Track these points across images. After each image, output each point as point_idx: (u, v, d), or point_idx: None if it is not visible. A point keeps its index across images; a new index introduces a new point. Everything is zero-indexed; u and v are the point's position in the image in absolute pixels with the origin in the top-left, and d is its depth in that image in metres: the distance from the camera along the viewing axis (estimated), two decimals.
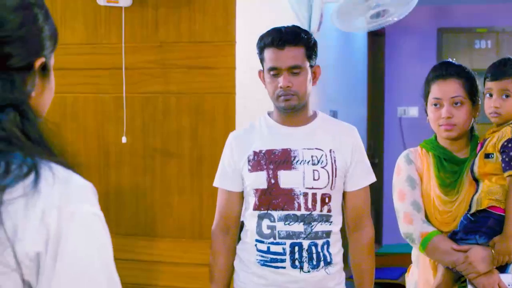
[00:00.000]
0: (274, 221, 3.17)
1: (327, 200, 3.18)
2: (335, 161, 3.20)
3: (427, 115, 3.33)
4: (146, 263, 4.34)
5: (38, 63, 1.49)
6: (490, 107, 3.16)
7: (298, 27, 3.26)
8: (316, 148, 3.21)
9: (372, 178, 3.34)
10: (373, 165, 3.60)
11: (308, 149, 3.20)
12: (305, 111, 3.27)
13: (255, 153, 3.23)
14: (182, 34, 4.23)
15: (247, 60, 4.24)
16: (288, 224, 3.15)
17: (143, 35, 4.30)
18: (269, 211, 3.18)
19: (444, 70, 3.25)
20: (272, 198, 3.17)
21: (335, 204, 3.22)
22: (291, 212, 3.15)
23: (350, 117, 6.88)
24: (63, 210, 1.36)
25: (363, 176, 3.29)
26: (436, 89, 3.23)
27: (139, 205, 4.34)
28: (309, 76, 3.19)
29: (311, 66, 3.21)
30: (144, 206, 4.32)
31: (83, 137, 4.42)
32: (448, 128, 3.21)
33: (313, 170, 3.17)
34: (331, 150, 3.21)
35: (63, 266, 1.34)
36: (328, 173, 3.18)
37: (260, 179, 3.19)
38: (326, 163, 3.19)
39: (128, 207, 4.35)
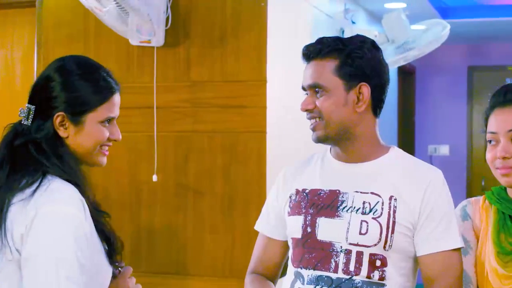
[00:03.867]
0: (303, 283, 2.42)
1: (378, 263, 2.36)
2: (394, 212, 2.37)
3: None
4: None
5: (55, 117, 2.19)
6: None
7: (343, 38, 2.50)
8: (372, 193, 2.41)
9: (455, 242, 2.40)
10: None
11: (361, 192, 2.42)
12: (362, 143, 2.47)
13: (297, 192, 2.52)
14: (214, 73, 4.26)
15: (278, 99, 4.26)
16: None
17: (175, 75, 4.33)
18: (299, 269, 2.45)
19: (502, 95, 2.43)
20: (305, 252, 2.43)
21: (396, 270, 2.39)
22: (324, 274, 2.38)
23: None
24: (39, 210, 2.05)
25: (439, 235, 2.38)
26: (493, 121, 2.42)
27: (171, 244, 4.35)
28: (342, 98, 2.41)
29: (349, 86, 2.41)
30: (176, 245, 4.33)
31: (115, 176, 4.45)
32: (504, 172, 2.38)
33: (361, 221, 2.37)
34: (391, 198, 2.38)
35: (31, 242, 2.03)
36: (381, 226, 2.36)
37: (295, 226, 2.47)
38: (381, 214, 2.37)
39: (160, 246, 4.36)
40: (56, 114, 2.19)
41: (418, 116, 9.23)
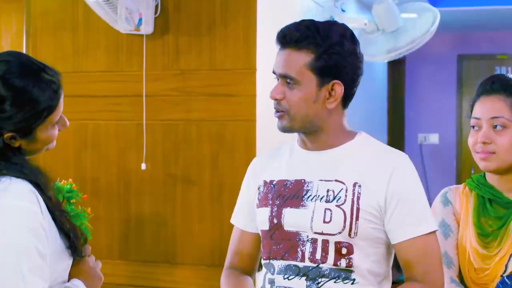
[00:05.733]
0: (273, 274, 2.40)
1: (344, 251, 2.32)
2: (358, 198, 2.32)
3: None
4: None
5: (5, 136, 2.09)
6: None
7: (323, 27, 2.36)
8: (336, 180, 2.35)
9: (427, 227, 2.34)
10: None
11: (325, 181, 2.37)
12: (328, 134, 2.41)
13: (265, 183, 2.48)
14: (203, 62, 4.25)
15: (267, 88, 4.23)
16: (287, 278, 2.36)
17: (164, 63, 4.32)
18: (270, 261, 2.42)
19: (489, 84, 2.54)
20: (273, 244, 2.41)
21: (364, 257, 2.34)
22: (292, 263, 2.36)
23: None
24: None
25: (411, 221, 2.33)
26: (478, 107, 2.54)
27: (160, 233, 4.34)
28: (313, 94, 2.34)
29: (322, 82, 2.34)
30: (164, 234, 4.32)
31: (104, 164, 4.44)
32: (483, 156, 2.49)
33: (325, 209, 2.33)
34: (355, 184, 2.33)
35: None
36: (344, 214, 2.31)
37: (263, 218, 2.44)
38: (345, 201, 2.32)
39: (149, 235, 4.36)
40: (6, 135, 2.11)
41: (407, 105, 9.23)
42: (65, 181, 3.76)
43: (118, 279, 4.31)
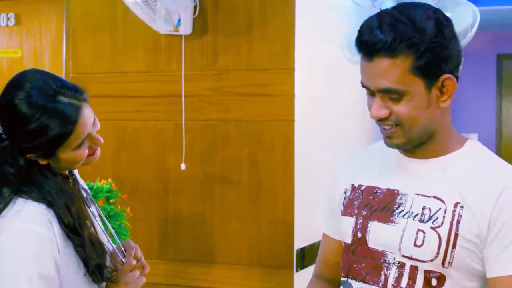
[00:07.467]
0: None
1: (434, 282, 1.97)
2: (458, 222, 1.95)
3: None
4: None
5: (28, 156, 2.12)
6: None
7: (415, 22, 1.93)
8: (434, 197, 2.00)
9: None
10: None
11: (422, 196, 2.02)
12: (439, 138, 2.09)
13: (353, 187, 2.18)
14: (241, 61, 4.25)
15: (306, 88, 4.24)
16: None
17: (202, 63, 4.33)
18: (348, 279, 2.13)
19: None
20: (354, 261, 2.11)
21: None
22: (372, 287, 2.06)
23: None
24: (2, 225, 2.04)
25: (506, 255, 1.93)
26: None
27: (198, 232, 4.35)
28: (425, 100, 1.98)
29: (431, 84, 1.99)
30: (202, 233, 4.33)
31: (143, 164, 4.46)
32: None
33: (418, 230, 1.99)
34: (457, 204, 1.97)
35: None
36: (440, 239, 1.96)
37: (346, 228, 2.14)
38: (442, 223, 1.97)
39: (187, 234, 4.37)
40: (28, 155, 2.14)
41: None
42: (105, 181, 3.79)
43: (156, 278, 4.32)
